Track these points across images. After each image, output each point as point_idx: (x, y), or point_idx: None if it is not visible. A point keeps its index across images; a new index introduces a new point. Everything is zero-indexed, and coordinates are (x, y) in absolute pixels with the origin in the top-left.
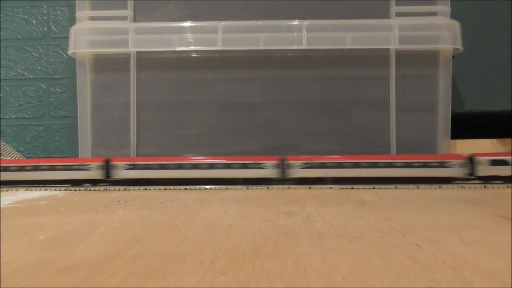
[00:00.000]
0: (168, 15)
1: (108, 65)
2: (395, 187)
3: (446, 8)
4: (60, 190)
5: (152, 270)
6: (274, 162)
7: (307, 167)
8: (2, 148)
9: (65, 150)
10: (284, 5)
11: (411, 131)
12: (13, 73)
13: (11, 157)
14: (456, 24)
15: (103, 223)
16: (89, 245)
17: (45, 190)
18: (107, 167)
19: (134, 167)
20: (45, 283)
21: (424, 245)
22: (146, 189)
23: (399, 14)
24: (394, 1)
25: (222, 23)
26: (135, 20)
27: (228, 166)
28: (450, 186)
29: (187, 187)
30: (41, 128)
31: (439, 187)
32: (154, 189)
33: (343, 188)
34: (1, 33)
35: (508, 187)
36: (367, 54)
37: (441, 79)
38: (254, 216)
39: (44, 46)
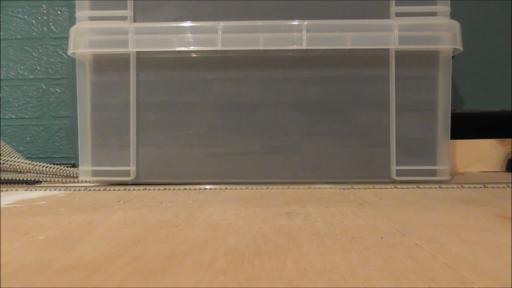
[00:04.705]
0: (168, 15)
1: (108, 65)
2: (395, 187)
3: (446, 8)
4: (59, 190)
5: (152, 270)
6: None
7: None
8: (2, 148)
9: (65, 150)
10: (284, 5)
11: (411, 131)
12: (13, 73)
13: (11, 157)
14: (456, 24)
15: (103, 223)
16: (89, 245)
17: (45, 190)
18: None
19: None
20: (45, 283)
21: (424, 245)
22: (146, 189)
23: (399, 14)
24: (394, 1)
25: (222, 23)
26: (135, 20)
27: None
28: (450, 186)
29: (187, 187)
30: (41, 128)
31: (439, 187)
32: (154, 189)
33: (343, 188)
34: (1, 33)
35: (508, 187)
36: (367, 54)
37: (441, 79)
38: (254, 216)
39: (44, 46)
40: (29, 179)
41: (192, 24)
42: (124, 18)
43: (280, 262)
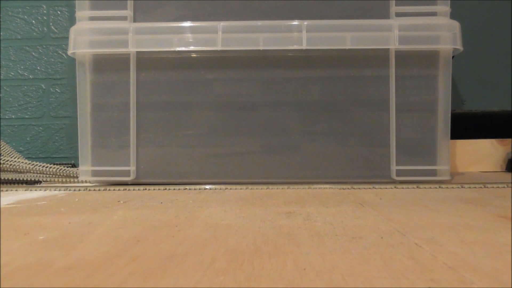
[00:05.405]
0: (168, 15)
1: (108, 65)
2: (395, 187)
3: (446, 8)
4: (59, 190)
5: (152, 270)
6: None
7: None
8: (2, 148)
9: (65, 150)
10: (284, 5)
11: (411, 131)
12: (13, 73)
13: (11, 157)
14: (456, 24)
15: (103, 223)
16: (89, 245)
17: (45, 190)
18: None
19: None
20: (45, 283)
21: (424, 245)
22: (146, 189)
23: (399, 14)
24: (394, 1)
25: (222, 23)
26: (135, 20)
27: None
28: (450, 186)
29: (187, 187)
30: (41, 128)
31: (439, 187)
32: (154, 189)
33: (343, 188)
34: (1, 33)
35: (508, 187)
36: (367, 54)
37: (441, 79)
38: (254, 216)
39: (44, 46)
40: (29, 179)
41: (192, 24)
42: (124, 18)
43: (280, 262)
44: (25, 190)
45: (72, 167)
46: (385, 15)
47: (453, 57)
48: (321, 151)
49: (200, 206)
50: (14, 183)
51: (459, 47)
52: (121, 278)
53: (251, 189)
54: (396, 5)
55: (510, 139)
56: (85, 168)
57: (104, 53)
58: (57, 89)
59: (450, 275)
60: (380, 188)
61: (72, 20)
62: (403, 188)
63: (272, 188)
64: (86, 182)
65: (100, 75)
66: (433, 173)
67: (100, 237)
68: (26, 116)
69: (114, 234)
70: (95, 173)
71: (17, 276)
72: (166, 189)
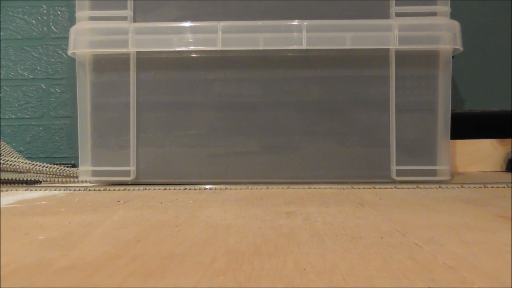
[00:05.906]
0: (168, 15)
1: (108, 65)
2: (395, 187)
3: (446, 8)
4: (59, 190)
5: (152, 270)
6: None
7: None
8: (2, 148)
9: (64, 150)
10: (284, 5)
11: (411, 131)
12: (13, 73)
13: (11, 157)
14: (456, 24)
15: (103, 223)
16: (89, 245)
17: (45, 190)
18: None
19: None
20: (45, 283)
21: (424, 245)
22: (146, 189)
23: (399, 14)
24: (394, 1)
25: (222, 23)
26: (135, 20)
27: None
28: (450, 186)
29: (187, 187)
30: (41, 128)
31: (439, 187)
32: (154, 189)
33: (343, 188)
34: (1, 33)
35: (508, 187)
36: (367, 54)
37: (441, 79)
38: (254, 216)
39: (44, 46)
40: (29, 179)
41: (192, 24)
42: (124, 18)
43: (280, 262)
44: (25, 190)
45: (72, 167)
46: (385, 15)
47: (453, 57)
48: (321, 151)
49: (200, 206)
50: (14, 183)
51: (459, 47)
52: (121, 278)
53: (251, 189)
54: (396, 5)
55: (510, 139)
56: (85, 168)
57: (104, 53)
58: (57, 89)
59: (450, 275)
60: (380, 188)
61: (72, 20)
62: (403, 188)
63: (272, 188)
64: (86, 182)
65: (100, 75)
66: (433, 173)
67: (100, 237)
68: (26, 116)
69: (114, 234)
70: (95, 173)
71: (17, 276)
72: (166, 189)
